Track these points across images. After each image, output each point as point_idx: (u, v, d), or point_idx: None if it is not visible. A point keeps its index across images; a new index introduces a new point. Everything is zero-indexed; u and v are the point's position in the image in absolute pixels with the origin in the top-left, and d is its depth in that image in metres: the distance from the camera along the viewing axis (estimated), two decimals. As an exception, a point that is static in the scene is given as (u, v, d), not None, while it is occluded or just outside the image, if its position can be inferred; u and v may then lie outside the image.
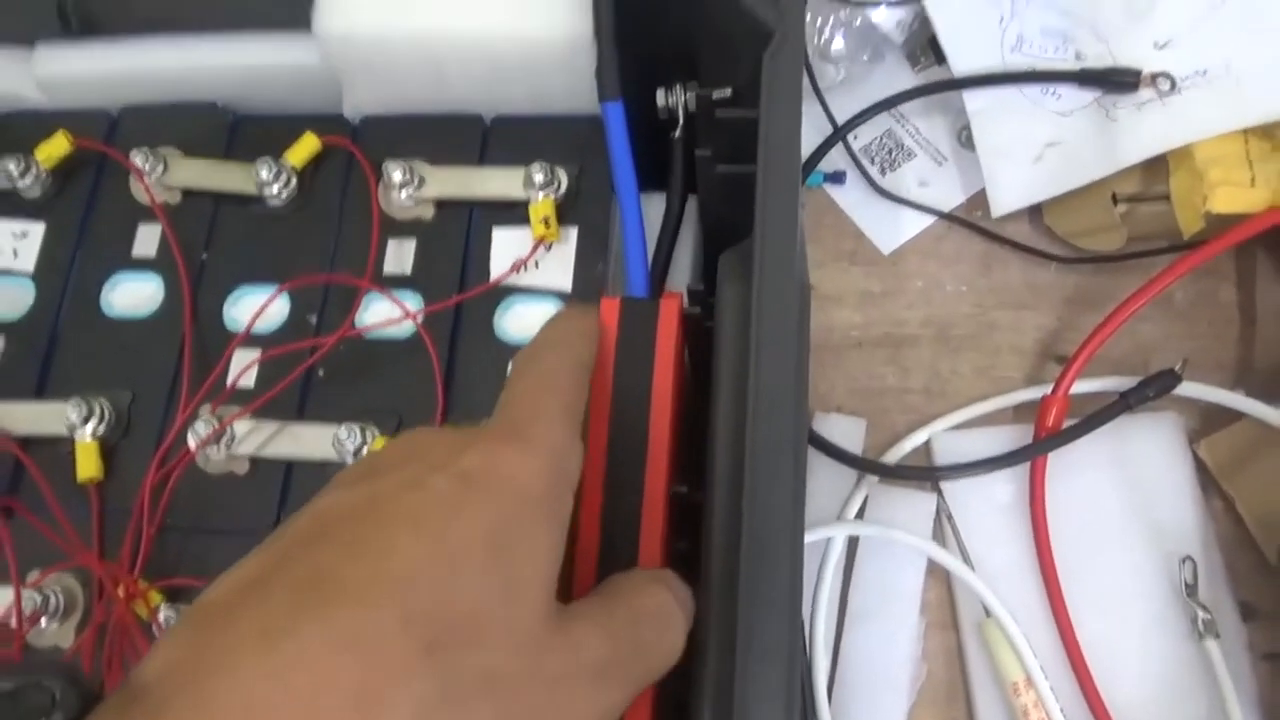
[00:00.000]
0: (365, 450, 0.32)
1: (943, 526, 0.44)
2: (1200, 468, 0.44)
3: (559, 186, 0.35)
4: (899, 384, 0.48)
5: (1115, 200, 0.45)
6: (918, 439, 0.46)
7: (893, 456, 0.46)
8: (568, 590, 0.26)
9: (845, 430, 0.46)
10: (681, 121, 0.36)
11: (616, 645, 0.20)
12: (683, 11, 0.37)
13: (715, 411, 0.29)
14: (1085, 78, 0.45)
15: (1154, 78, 0.44)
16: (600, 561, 0.28)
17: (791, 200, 0.29)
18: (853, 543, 0.44)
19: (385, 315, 0.34)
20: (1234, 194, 0.41)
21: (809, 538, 0.43)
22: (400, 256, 0.36)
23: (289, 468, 0.33)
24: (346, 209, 0.36)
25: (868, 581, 0.44)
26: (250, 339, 0.35)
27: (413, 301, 0.35)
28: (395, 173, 0.35)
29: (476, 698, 0.17)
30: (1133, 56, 0.44)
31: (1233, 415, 0.44)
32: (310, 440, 0.32)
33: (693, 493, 0.29)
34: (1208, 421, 0.45)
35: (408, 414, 0.34)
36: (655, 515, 0.28)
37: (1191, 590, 0.41)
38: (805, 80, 0.50)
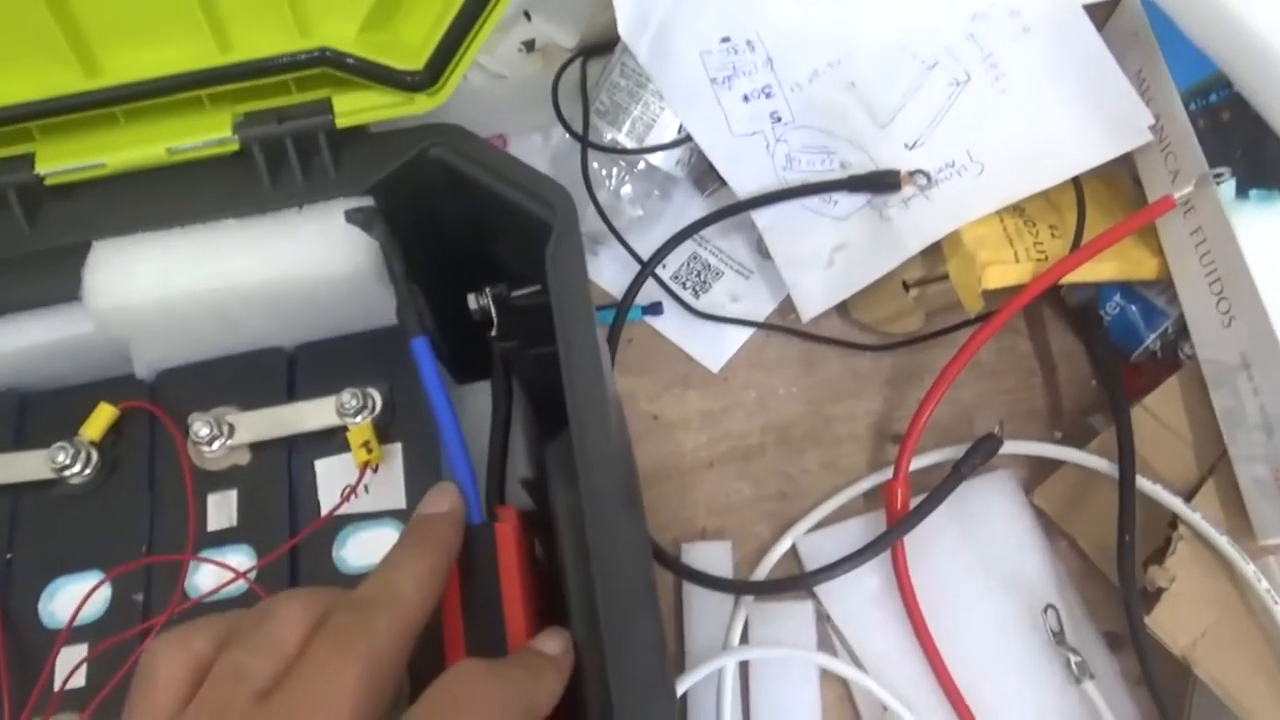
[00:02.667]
0: None
1: (826, 629, 0.46)
2: (1039, 514, 0.47)
3: (374, 407, 0.35)
4: (755, 494, 0.50)
5: (907, 287, 0.49)
6: (782, 547, 0.47)
7: (763, 570, 0.47)
8: None
9: (713, 556, 0.47)
10: (496, 321, 0.37)
11: None
12: (471, 222, 0.38)
13: (569, 610, 0.29)
14: (854, 184, 0.49)
15: (912, 175, 0.48)
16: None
17: (598, 377, 0.30)
18: (744, 667, 0.45)
19: (217, 578, 0.33)
20: (1003, 270, 0.44)
21: (700, 673, 0.43)
22: (223, 509, 0.34)
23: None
24: (157, 472, 0.35)
25: (766, 703, 0.44)
26: (74, 634, 0.33)
27: (244, 555, 0.34)
28: (202, 429, 0.34)
29: None
30: (889, 159, 0.48)
31: (1055, 460, 0.47)
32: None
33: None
34: (1036, 469, 0.48)
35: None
36: None
37: (1059, 638, 0.43)
38: (605, 226, 0.53)
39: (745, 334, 0.53)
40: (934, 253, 0.48)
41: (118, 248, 0.34)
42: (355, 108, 0.35)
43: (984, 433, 0.46)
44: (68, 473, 0.34)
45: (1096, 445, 0.45)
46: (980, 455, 0.46)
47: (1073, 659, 0.43)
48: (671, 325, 0.54)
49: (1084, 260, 0.43)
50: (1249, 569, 0.39)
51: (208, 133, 0.34)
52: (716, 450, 0.51)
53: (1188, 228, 0.42)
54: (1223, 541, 0.40)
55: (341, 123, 0.34)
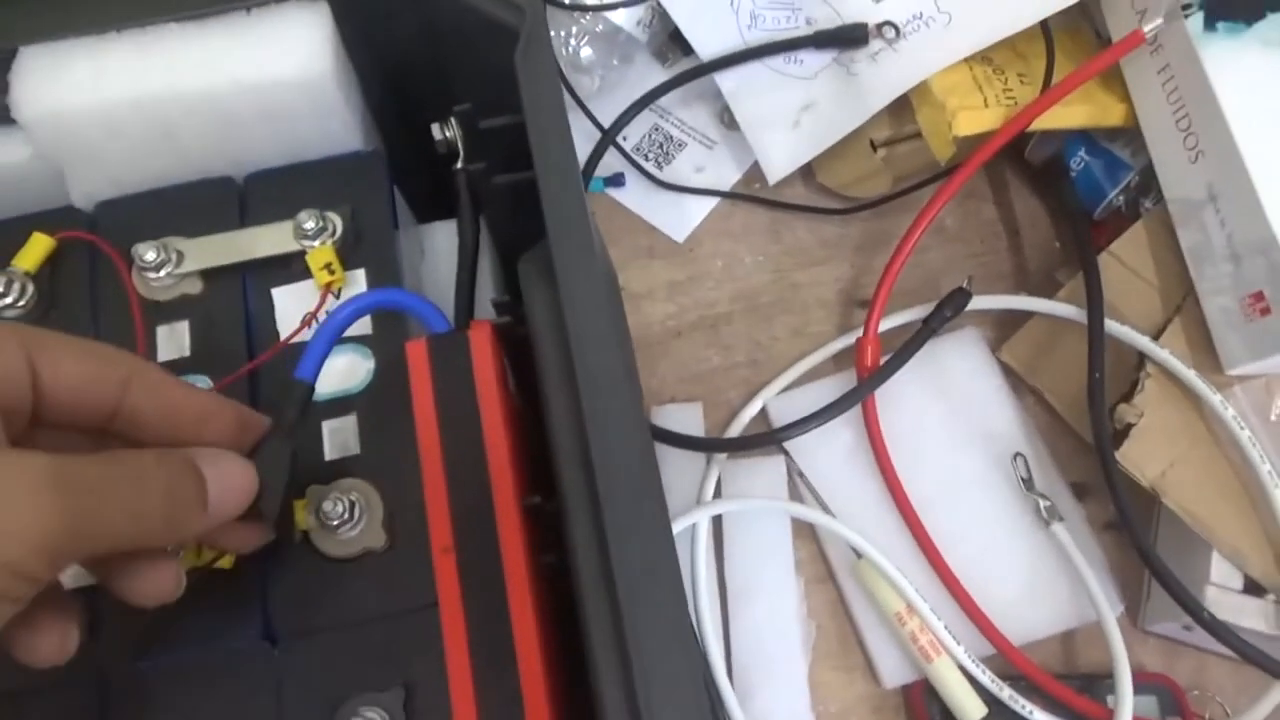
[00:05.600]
0: (178, 555, 0.28)
1: (797, 485, 0.45)
2: (1007, 371, 0.47)
3: (334, 231, 0.33)
4: (724, 362, 0.49)
5: (874, 147, 0.48)
6: (754, 409, 0.47)
7: (734, 431, 0.46)
8: None
9: (684, 418, 0.46)
10: (462, 150, 0.35)
11: (62, 472, 0.20)
12: (430, 38, 0.36)
13: (550, 415, 0.28)
14: (819, 40, 0.48)
15: (879, 28, 0.47)
16: (465, 595, 0.26)
17: (575, 185, 0.29)
18: (717, 525, 0.44)
19: (171, 405, 0.31)
20: (973, 116, 0.44)
21: (673, 529, 0.42)
22: (175, 340, 0.32)
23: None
24: (100, 304, 0.33)
25: (740, 557, 0.44)
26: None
27: (200, 385, 0.32)
28: (148, 253, 0.32)
29: None
30: (857, 13, 0.48)
31: (1022, 316, 0.47)
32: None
33: (549, 502, 0.28)
34: (1003, 328, 0.48)
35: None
36: (512, 535, 0.27)
37: (1028, 484, 0.44)
38: (565, 92, 0.51)
39: (710, 204, 0.52)
40: (902, 111, 0.47)
41: (48, 53, 0.31)
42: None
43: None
44: (2, 304, 0.32)
45: (1064, 294, 0.45)
46: (950, 308, 0.45)
47: (1041, 503, 0.43)
48: (634, 197, 0.52)
49: (1053, 102, 0.43)
50: (1215, 398, 0.39)
51: (145, -71, 0.31)
52: (685, 320, 0.50)
53: (1155, 65, 0.42)
54: (1190, 375, 0.40)
55: (291, -85, 0.32)
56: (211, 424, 0.25)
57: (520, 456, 0.29)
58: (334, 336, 0.29)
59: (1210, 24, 0.40)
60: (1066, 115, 0.44)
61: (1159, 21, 0.41)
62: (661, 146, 0.53)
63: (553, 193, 0.28)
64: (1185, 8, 0.40)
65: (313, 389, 0.29)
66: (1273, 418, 0.39)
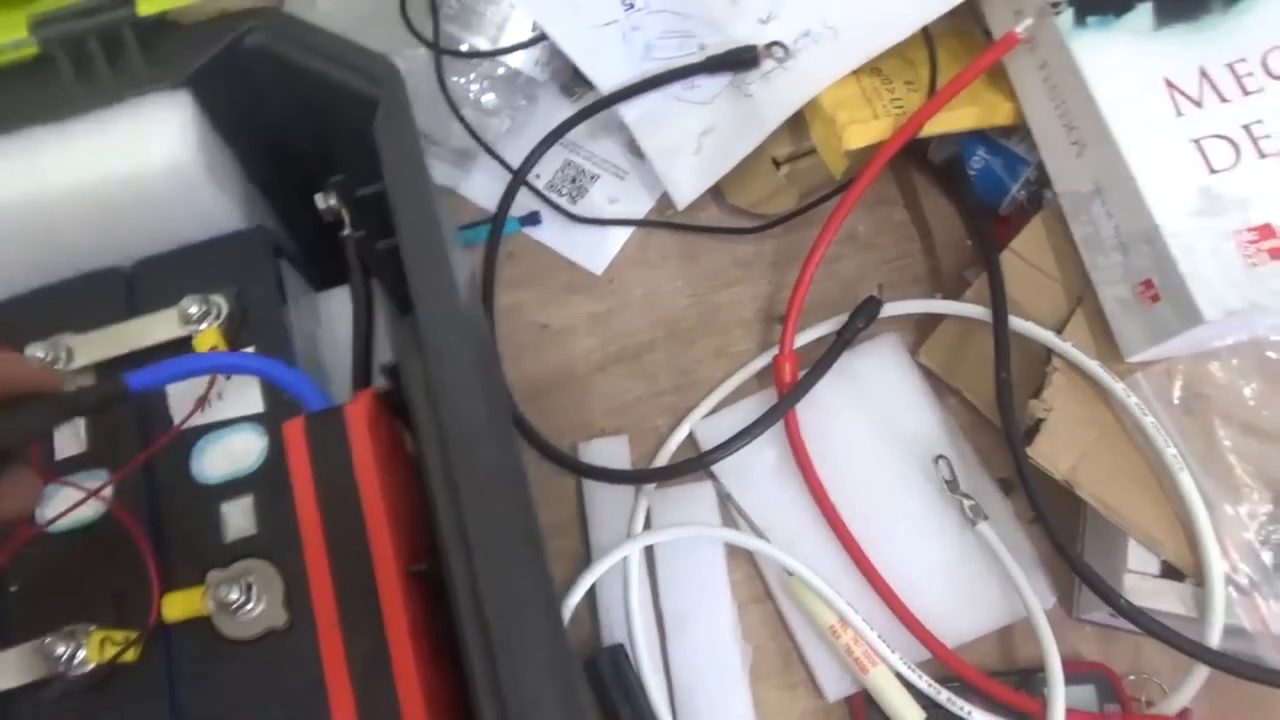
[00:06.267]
0: (81, 654, 0.29)
1: (728, 508, 0.46)
2: (927, 373, 0.48)
3: (219, 313, 0.33)
4: (649, 390, 0.50)
5: (777, 164, 0.49)
6: (680, 435, 0.47)
7: (662, 458, 0.47)
8: None
9: (610, 451, 0.47)
10: (348, 218, 0.36)
11: None
12: (302, 113, 0.36)
13: (428, 476, 0.28)
14: (712, 65, 0.49)
15: (769, 48, 0.48)
16: (350, 667, 0.27)
17: (435, 249, 0.29)
18: (650, 554, 0.45)
19: (68, 500, 0.31)
20: (862, 129, 0.44)
21: (605, 564, 0.43)
22: (71, 435, 0.33)
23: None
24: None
25: (675, 585, 0.44)
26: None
27: (98, 479, 0.32)
28: (38, 353, 0.32)
29: None
30: (746, 36, 0.48)
31: (938, 319, 0.48)
32: (13, 668, 0.29)
33: (436, 566, 0.28)
34: (921, 332, 0.49)
35: (130, 591, 0.31)
36: (395, 604, 0.27)
37: (952, 485, 0.44)
38: (472, 138, 0.52)
39: (626, 234, 0.53)
40: (800, 127, 0.48)
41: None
42: (160, -4, 0.33)
43: (865, 300, 0.46)
44: (-103, 416, 0.32)
45: (971, 294, 0.46)
46: (862, 318, 0.46)
47: (965, 503, 0.43)
48: (551, 234, 0.53)
49: (939, 108, 0.43)
50: (1118, 387, 0.40)
51: (2, 35, 0.31)
52: (608, 351, 0.51)
53: (1034, 63, 0.43)
54: (1094, 366, 0.41)
55: (144, 10, 0.32)
56: None
57: (409, 524, 0.30)
58: (183, 371, 0.29)
59: (1080, 19, 0.41)
60: (955, 119, 0.45)
61: (1030, 21, 0.41)
62: (574, 181, 0.54)
63: (413, 259, 0.29)
64: (1055, 5, 0.41)
65: (127, 395, 0.29)
66: (1174, 402, 0.40)
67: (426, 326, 0.28)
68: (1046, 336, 0.42)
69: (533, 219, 0.53)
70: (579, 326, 0.51)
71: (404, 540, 0.28)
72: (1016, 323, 0.43)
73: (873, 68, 0.47)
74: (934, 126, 0.44)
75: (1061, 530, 0.40)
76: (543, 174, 0.54)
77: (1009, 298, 0.44)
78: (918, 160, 0.52)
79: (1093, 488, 0.40)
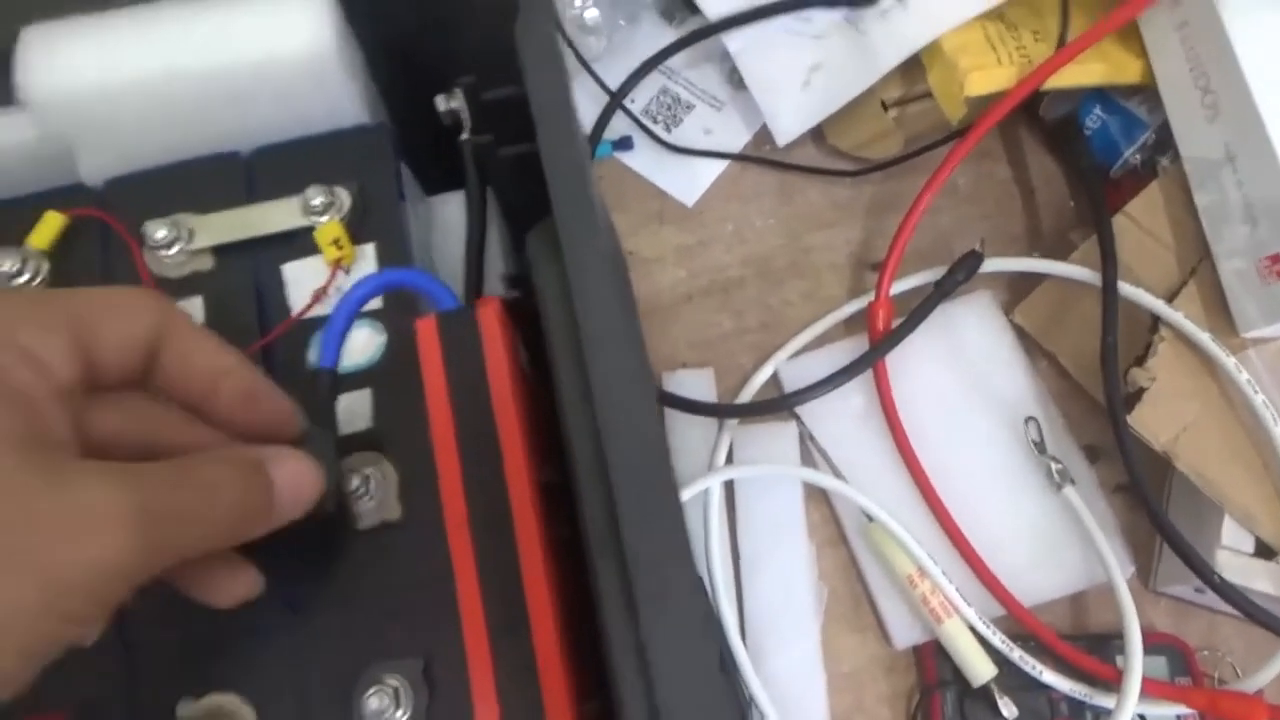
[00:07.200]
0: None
1: (809, 450, 0.45)
2: (1020, 334, 0.47)
3: (341, 206, 0.33)
4: (736, 326, 0.49)
5: (885, 107, 0.48)
6: (765, 373, 0.47)
7: (745, 396, 0.46)
8: None
9: (695, 383, 0.47)
10: (468, 122, 0.35)
11: (140, 498, 0.20)
12: (434, 11, 0.36)
13: (560, 388, 0.28)
14: (829, -2, 0.47)
15: (890, -16, 0.46)
16: (480, 569, 0.27)
17: (578, 157, 0.28)
18: (730, 490, 0.45)
19: (186, 382, 0.31)
20: (985, 76, 0.43)
21: (686, 494, 0.43)
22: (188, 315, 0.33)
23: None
24: (113, 282, 0.33)
25: (753, 522, 0.44)
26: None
27: (216, 361, 0.32)
28: (158, 231, 0.32)
29: None
30: (867, -31, 0.47)
31: (1035, 279, 0.47)
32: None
33: (562, 475, 0.28)
34: (1016, 291, 0.48)
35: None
36: (526, 508, 0.27)
37: (1040, 447, 0.44)
38: (572, 54, 0.51)
39: (720, 166, 0.52)
40: (914, 70, 0.46)
41: (50, 34, 0.31)
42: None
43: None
44: (17, 283, 0.32)
45: (1078, 256, 0.45)
46: (963, 271, 0.45)
47: (1053, 466, 0.43)
48: (643, 160, 0.52)
49: (1067, 60, 0.42)
50: (1229, 361, 0.39)
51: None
52: (695, 284, 0.50)
53: (1173, 22, 0.41)
54: (1204, 338, 0.40)
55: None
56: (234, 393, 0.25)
57: (534, 432, 0.30)
58: (347, 323, 0.29)
59: (1231, -22, 0.39)
60: (1081, 73, 0.43)
61: (1177, -24, 0.40)
62: (670, 109, 0.53)
63: (556, 170, 0.28)
64: (1206, -39, 0.39)
65: (337, 375, 0.29)
66: (1287, 380, 0.39)
67: (567, 236, 0.27)
68: (1157, 304, 0.41)
69: (625, 144, 0.52)
70: (667, 257, 0.50)
71: (532, 447, 0.28)
72: (1125, 288, 0.42)
73: (997, 14, 0.45)
74: (1059, 80, 0.43)
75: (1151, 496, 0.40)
76: (638, 99, 0.53)
77: (1119, 261, 0.43)
78: (1026, 116, 0.51)
79: (1192, 461, 0.39)
